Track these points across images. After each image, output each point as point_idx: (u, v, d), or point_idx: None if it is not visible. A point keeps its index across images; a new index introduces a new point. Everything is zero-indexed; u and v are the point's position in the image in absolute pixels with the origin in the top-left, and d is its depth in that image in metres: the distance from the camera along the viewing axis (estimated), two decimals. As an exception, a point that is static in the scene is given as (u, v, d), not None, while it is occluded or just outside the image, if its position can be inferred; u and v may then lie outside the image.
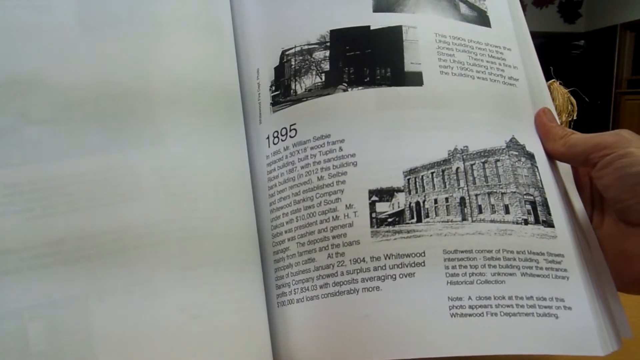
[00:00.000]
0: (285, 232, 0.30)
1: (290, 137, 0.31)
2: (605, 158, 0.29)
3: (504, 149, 0.31)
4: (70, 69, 0.27)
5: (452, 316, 0.27)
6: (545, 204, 0.30)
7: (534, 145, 0.32)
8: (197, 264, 0.27)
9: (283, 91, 0.32)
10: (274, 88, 0.33)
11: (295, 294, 0.30)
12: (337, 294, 0.28)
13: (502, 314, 0.27)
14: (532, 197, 0.30)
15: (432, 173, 0.30)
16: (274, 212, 0.31)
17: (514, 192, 0.30)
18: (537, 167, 0.31)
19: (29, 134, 0.26)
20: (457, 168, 0.30)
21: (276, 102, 0.32)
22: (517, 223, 0.29)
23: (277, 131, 0.32)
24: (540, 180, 0.31)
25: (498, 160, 0.30)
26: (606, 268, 0.30)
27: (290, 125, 0.31)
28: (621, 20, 4.67)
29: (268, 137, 0.32)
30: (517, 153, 0.31)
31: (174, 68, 0.29)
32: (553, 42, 5.04)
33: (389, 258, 0.28)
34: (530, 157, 0.31)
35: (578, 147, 0.30)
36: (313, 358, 0.28)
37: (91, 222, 0.26)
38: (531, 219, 0.29)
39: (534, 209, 0.30)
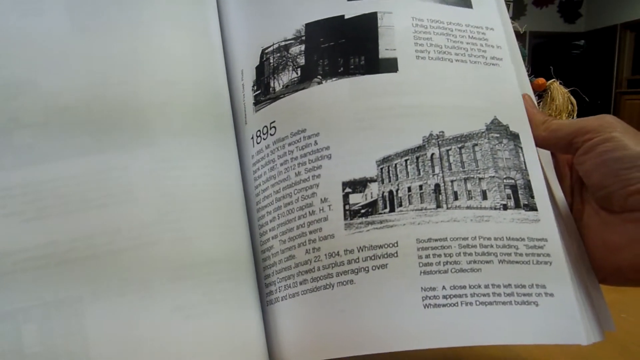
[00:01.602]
0: (270, 230, 0.30)
1: (271, 135, 0.31)
2: (588, 142, 0.28)
3: (483, 132, 0.30)
4: (61, 73, 0.27)
5: (425, 307, 0.26)
6: (527, 186, 0.29)
7: (519, 125, 0.30)
8: (190, 264, 0.27)
9: (263, 90, 0.32)
10: (255, 87, 0.33)
11: (280, 292, 0.29)
12: (315, 289, 0.28)
13: (477, 303, 0.26)
14: (512, 181, 0.29)
15: (405, 161, 0.29)
16: (260, 211, 0.31)
17: (493, 176, 0.29)
18: (521, 147, 0.30)
19: (20, 137, 0.26)
20: (432, 154, 0.29)
21: (258, 102, 0.32)
22: (495, 209, 0.28)
23: (259, 130, 0.32)
24: (524, 162, 0.29)
25: (476, 145, 0.29)
26: (586, 258, 0.29)
27: (270, 123, 0.31)
28: (621, 20, 4.67)
29: (252, 137, 0.32)
30: (498, 135, 0.30)
31: (164, 70, 0.29)
32: (553, 42, 5.03)
33: (362, 250, 0.28)
34: (514, 137, 0.30)
35: (561, 132, 0.29)
36: (300, 356, 0.28)
37: (84, 224, 0.26)
38: (511, 203, 0.28)
39: (515, 192, 0.29)
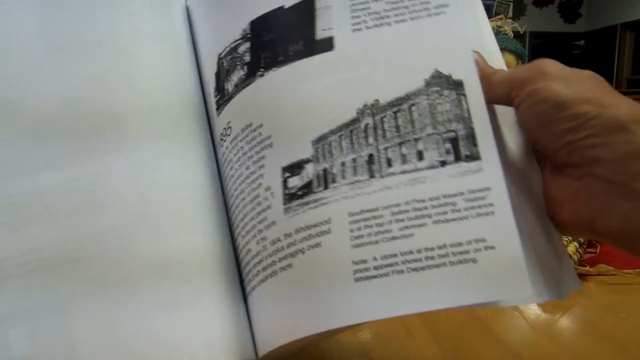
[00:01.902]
0: (236, 228, 0.31)
1: (228, 135, 0.32)
2: (518, 97, 0.26)
3: (421, 89, 0.28)
4: (37, 91, 0.29)
5: (356, 281, 0.26)
6: (470, 135, 0.27)
7: (464, 71, 0.28)
8: (169, 262, 0.28)
9: (221, 94, 0.33)
10: (216, 93, 0.33)
11: (248, 286, 0.30)
12: (264, 279, 0.28)
13: (409, 270, 0.25)
14: (453, 133, 0.27)
15: (340, 137, 0.28)
16: (230, 210, 0.32)
17: (431, 134, 0.28)
18: (464, 94, 0.28)
19: (2, 152, 0.27)
20: (367, 125, 0.28)
21: (218, 106, 0.33)
22: (433, 167, 0.27)
23: (221, 133, 0.32)
24: (468, 110, 0.28)
25: (413, 105, 0.28)
26: (544, 212, 0.28)
27: (227, 124, 0.32)
28: (621, 20, 4.67)
29: (218, 141, 0.33)
30: (438, 88, 0.28)
31: (137, 81, 0.31)
32: (553, 42, 5.04)
33: (299, 232, 0.27)
34: (457, 85, 0.28)
35: (500, 88, 0.27)
36: (264, 346, 0.29)
37: (69, 229, 0.27)
38: (450, 158, 0.27)
39: (455, 146, 0.27)
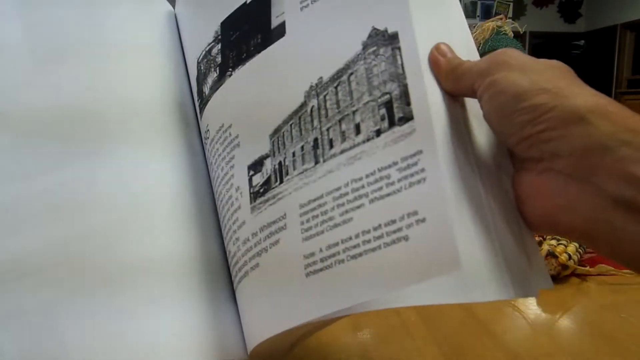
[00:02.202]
0: (222, 229, 0.31)
1: (207, 138, 0.32)
2: (479, 89, 0.25)
3: (359, 54, 0.26)
4: (22, 97, 0.29)
5: (307, 276, 0.24)
6: (404, 93, 0.24)
7: (399, 20, 0.26)
8: (157, 262, 0.28)
9: (200, 98, 0.33)
10: (197, 97, 0.33)
11: (234, 287, 0.30)
12: (240, 280, 0.28)
13: (348, 258, 0.23)
14: (388, 96, 0.25)
15: (291, 125, 0.27)
16: (219, 213, 0.32)
17: (367, 102, 0.25)
18: (398, 48, 0.25)
19: None
20: (312, 107, 0.27)
21: (200, 110, 0.33)
22: (368, 140, 0.25)
23: (204, 137, 0.33)
24: (402, 65, 0.25)
25: (352, 74, 0.26)
26: (514, 206, 0.26)
27: (206, 127, 0.32)
28: (621, 20, 4.67)
29: (203, 146, 0.33)
30: (375, 48, 0.26)
31: (122, 88, 0.31)
32: (553, 42, 5.03)
33: (262, 230, 0.27)
34: (392, 39, 0.25)
35: (464, 80, 0.25)
36: (250, 346, 0.28)
37: (56, 233, 0.27)
38: (385, 125, 0.24)
39: (390, 109, 0.25)
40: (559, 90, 0.22)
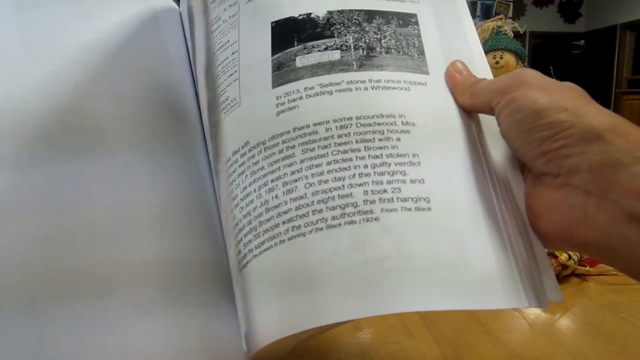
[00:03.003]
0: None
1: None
2: (497, 106, 0.26)
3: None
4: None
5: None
6: None
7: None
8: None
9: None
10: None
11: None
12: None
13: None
14: None
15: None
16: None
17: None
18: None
19: None
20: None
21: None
22: None
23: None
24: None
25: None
26: (526, 219, 0.27)
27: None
28: (621, 20, 4.67)
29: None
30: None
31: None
32: (553, 42, 5.03)
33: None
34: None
35: (481, 96, 0.27)
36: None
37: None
38: None
39: None
40: (577, 109, 0.23)
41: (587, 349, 0.36)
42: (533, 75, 0.26)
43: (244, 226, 0.28)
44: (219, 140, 0.31)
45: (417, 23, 0.31)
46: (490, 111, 0.27)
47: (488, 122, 0.29)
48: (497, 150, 0.29)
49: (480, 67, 0.31)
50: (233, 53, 0.32)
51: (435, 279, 0.24)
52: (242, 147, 0.29)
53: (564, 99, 0.24)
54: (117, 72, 0.31)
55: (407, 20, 0.31)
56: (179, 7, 0.37)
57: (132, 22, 0.33)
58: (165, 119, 0.32)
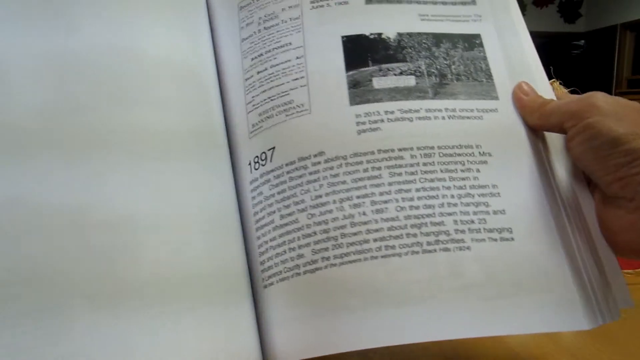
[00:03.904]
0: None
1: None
2: (572, 129, 0.28)
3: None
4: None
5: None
6: None
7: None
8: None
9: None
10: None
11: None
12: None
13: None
14: None
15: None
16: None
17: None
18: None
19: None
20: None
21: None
22: None
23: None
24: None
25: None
26: (594, 230, 0.29)
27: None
28: (621, 20, 4.67)
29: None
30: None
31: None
32: (553, 42, 5.03)
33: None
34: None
35: (552, 118, 0.29)
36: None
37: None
38: None
39: None
40: None
41: (587, 349, 0.36)
42: (603, 100, 0.27)
43: (314, 232, 0.28)
44: (271, 138, 0.31)
45: (481, 44, 0.33)
46: (561, 131, 0.29)
47: (553, 139, 0.31)
48: (563, 166, 0.30)
49: (540, 80, 0.32)
50: (298, 57, 0.32)
51: (523, 304, 0.26)
52: (315, 155, 0.30)
53: (637, 126, 0.26)
54: (153, 83, 0.31)
55: (472, 42, 0.33)
56: None
57: (170, 35, 0.32)
58: (197, 134, 0.31)
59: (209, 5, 0.36)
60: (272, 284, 0.29)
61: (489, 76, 0.32)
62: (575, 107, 0.28)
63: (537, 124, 0.30)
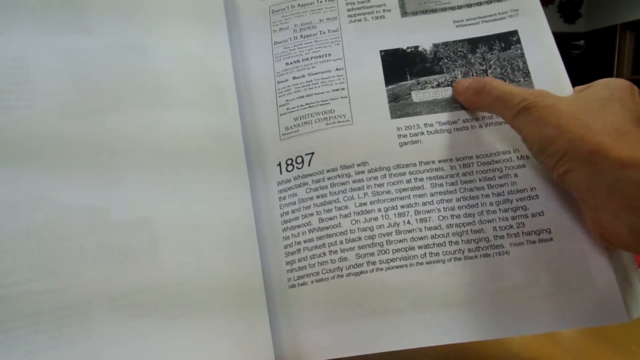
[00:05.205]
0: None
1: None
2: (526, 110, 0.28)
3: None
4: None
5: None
6: None
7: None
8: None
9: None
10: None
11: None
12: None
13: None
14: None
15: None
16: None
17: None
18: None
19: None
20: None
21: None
22: None
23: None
24: None
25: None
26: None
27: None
28: (621, 20, 4.67)
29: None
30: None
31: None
32: (553, 42, 5.03)
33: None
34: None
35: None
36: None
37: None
38: None
39: None
40: None
41: (587, 349, 0.36)
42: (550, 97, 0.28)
43: (358, 238, 0.30)
44: (309, 143, 0.32)
45: (519, 41, 0.33)
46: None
47: None
48: None
49: (564, 77, 0.33)
50: (338, 69, 0.34)
51: (565, 301, 0.27)
52: (359, 165, 0.31)
53: (562, 125, 0.26)
54: (170, 98, 0.31)
55: (508, 40, 0.33)
56: None
57: (185, 50, 0.33)
58: (219, 146, 0.31)
59: (231, 6, 0.36)
60: (304, 284, 0.30)
61: (526, 74, 0.32)
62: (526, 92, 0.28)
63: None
